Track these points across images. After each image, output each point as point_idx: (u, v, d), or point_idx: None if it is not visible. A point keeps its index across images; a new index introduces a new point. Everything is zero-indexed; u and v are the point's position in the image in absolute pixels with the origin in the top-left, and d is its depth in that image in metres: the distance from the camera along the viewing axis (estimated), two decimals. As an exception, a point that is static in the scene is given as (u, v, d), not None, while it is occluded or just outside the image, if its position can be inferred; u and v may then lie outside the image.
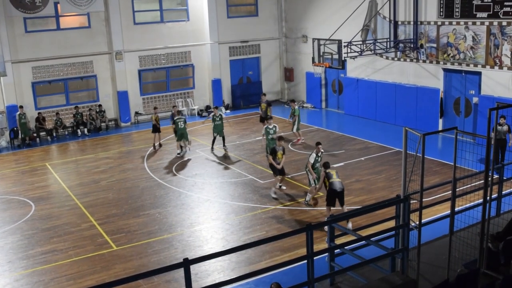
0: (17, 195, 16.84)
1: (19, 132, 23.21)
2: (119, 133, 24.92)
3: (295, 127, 20.94)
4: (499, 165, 11.87)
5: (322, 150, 14.69)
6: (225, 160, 19.47)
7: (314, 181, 14.44)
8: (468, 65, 20.02)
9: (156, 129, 21.38)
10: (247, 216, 14.31)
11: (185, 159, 19.78)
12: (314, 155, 14.39)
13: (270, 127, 18.20)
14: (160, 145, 21.74)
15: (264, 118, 20.99)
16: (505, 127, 16.50)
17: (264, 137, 18.41)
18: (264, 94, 23.76)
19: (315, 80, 27.29)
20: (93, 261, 12.18)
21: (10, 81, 23.45)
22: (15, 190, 17.35)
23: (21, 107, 23.31)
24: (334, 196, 12.97)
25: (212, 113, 20.59)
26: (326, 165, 13.30)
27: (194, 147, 20.89)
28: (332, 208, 13.21)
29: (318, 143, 14.60)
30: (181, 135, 20.04)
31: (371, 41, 22.81)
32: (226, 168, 18.54)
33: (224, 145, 20.55)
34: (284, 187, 16.15)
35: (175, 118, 20.26)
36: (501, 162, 15.63)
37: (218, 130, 20.31)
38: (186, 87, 28.09)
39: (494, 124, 8.65)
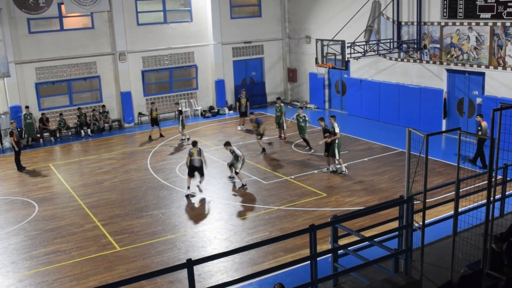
0: (20, 196, 16.87)
1: (23, 132, 23.21)
2: (122, 134, 24.94)
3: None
4: (503, 165, 11.83)
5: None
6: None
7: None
8: (471, 65, 19.98)
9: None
10: (250, 217, 14.30)
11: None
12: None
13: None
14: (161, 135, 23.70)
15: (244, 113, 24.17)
16: None
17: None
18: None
19: (319, 80, 27.27)
20: (97, 262, 12.19)
21: (14, 82, 23.49)
22: (19, 191, 17.38)
23: (27, 107, 23.39)
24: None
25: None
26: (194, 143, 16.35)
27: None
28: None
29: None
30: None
31: (374, 42, 22.80)
32: (229, 168, 18.51)
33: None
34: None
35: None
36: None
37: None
38: (190, 88, 28.11)
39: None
